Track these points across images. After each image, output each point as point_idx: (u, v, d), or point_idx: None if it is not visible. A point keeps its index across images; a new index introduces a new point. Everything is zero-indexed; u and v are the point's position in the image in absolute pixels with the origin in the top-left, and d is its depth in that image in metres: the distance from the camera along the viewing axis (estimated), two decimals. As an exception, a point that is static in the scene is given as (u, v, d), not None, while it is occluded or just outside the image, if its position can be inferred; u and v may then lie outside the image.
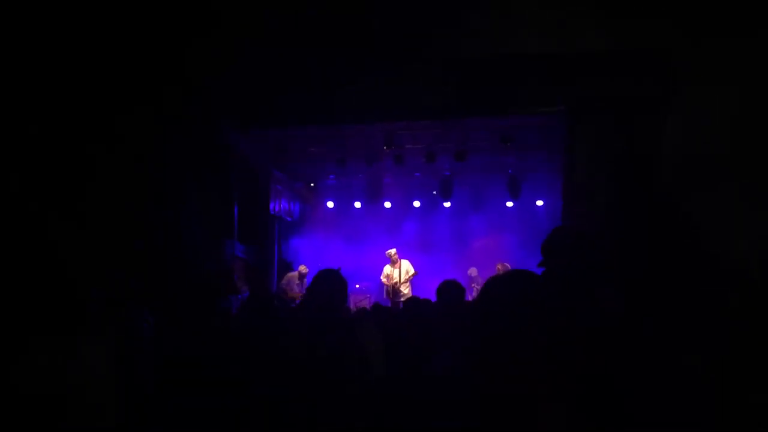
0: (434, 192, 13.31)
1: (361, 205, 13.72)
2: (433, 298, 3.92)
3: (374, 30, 7.29)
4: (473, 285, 11.32)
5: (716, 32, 5.66)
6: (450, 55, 7.93)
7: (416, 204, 13.64)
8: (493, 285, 1.67)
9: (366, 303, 10.74)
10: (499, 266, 11.20)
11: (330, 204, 13.87)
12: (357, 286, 12.51)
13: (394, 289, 11.40)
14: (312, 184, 13.79)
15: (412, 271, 11.50)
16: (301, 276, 11.45)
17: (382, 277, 11.79)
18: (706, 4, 5.78)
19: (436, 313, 2.81)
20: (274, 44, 7.67)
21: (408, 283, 11.45)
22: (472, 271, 12.07)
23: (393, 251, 11.71)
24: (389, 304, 10.71)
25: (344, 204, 13.87)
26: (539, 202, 13.03)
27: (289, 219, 13.56)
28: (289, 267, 12.39)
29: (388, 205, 13.59)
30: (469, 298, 8.96)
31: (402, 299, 10.70)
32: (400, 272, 11.53)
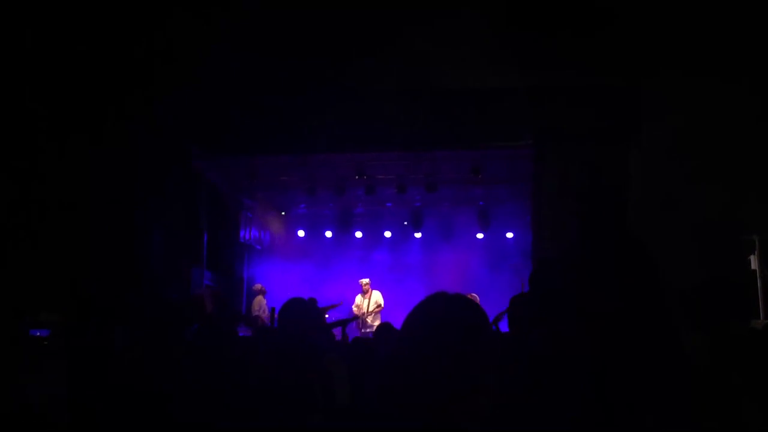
0: (405, 222, 13.32)
1: (332, 234, 13.67)
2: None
3: (345, 62, 7.38)
4: None
5: (676, 70, 5.85)
6: (420, 88, 8.05)
7: (387, 234, 13.63)
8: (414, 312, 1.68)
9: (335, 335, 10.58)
10: (469, 297, 11.14)
11: (301, 233, 13.78)
12: (327, 316, 12.34)
13: (363, 320, 11.27)
14: (283, 213, 13.72)
15: (380, 302, 11.38)
16: (263, 294, 11.40)
17: (353, 307, 11.67)
18: (669, 43, 5.98)
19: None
20: (244, 73, 7.69)
21: (377, 315, 11.31)
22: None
23: (366, 281, 11.58)
24: (358, 334, 10.58)
25: (315, 233, 13.80)
26: (509, 234, 13.13)
27: (258, 247, 13.44)
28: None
29: (359, 234, 13.56)
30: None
31: (369, 330, 10.57)
32: (369, 303, 11.41)
